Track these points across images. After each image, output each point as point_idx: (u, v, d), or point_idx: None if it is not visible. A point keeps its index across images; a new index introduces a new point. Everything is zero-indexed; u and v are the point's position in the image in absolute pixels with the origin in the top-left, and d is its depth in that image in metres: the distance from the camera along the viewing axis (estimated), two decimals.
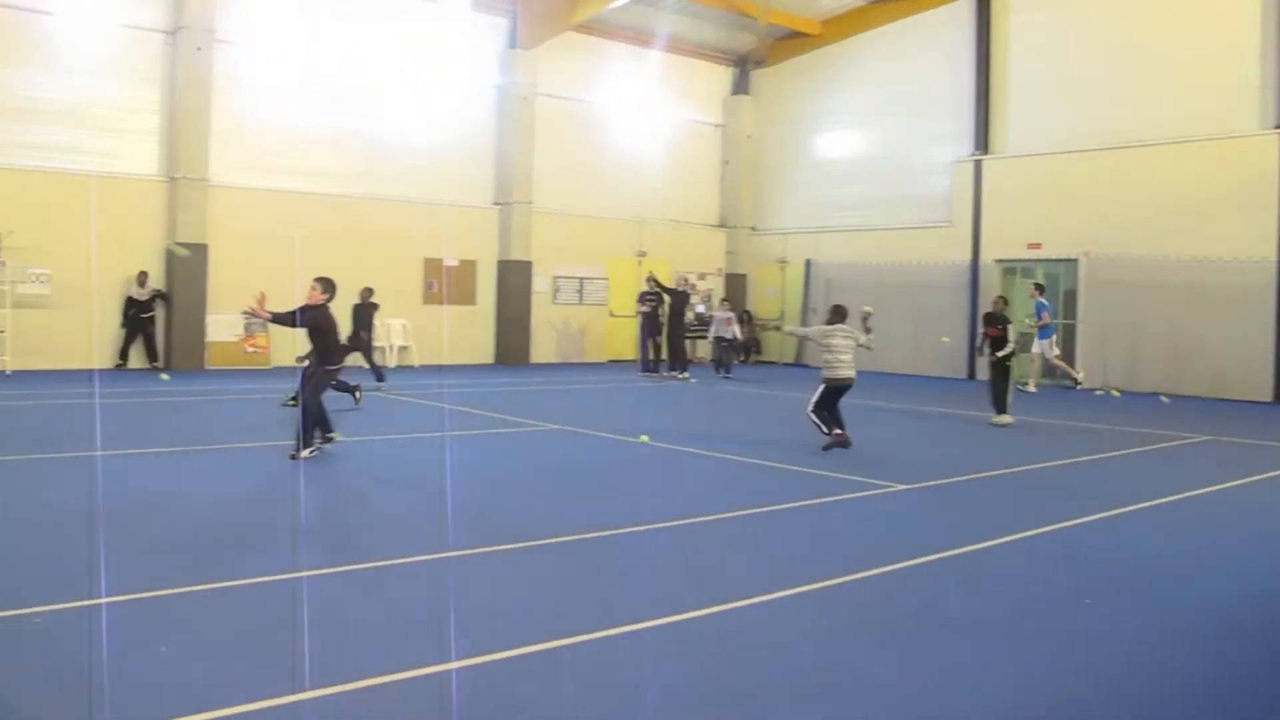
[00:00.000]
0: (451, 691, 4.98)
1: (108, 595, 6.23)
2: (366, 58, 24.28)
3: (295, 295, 12.90)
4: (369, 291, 18.89)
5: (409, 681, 5.13)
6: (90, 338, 20.53)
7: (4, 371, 19.31)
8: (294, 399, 15.44)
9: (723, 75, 31.00)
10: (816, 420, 12.96)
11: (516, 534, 8.26)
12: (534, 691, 5.11)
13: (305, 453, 11.19)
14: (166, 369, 21.44)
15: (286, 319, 11.58)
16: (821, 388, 13.03)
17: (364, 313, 18.58)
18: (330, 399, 15.33)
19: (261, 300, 11.55)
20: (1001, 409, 16.18)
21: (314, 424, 11.45)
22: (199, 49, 21.80)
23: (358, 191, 24.06)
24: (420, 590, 6.84)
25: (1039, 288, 22.26)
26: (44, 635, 5.69)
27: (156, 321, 21.67)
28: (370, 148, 24.38)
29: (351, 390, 15.79)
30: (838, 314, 13.38)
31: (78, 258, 20.28)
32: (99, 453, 11.24)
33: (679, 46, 28.99)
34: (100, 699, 4.73)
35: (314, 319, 11.38)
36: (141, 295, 21.24)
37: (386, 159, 24.56)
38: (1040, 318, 21.54)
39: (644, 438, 13.34)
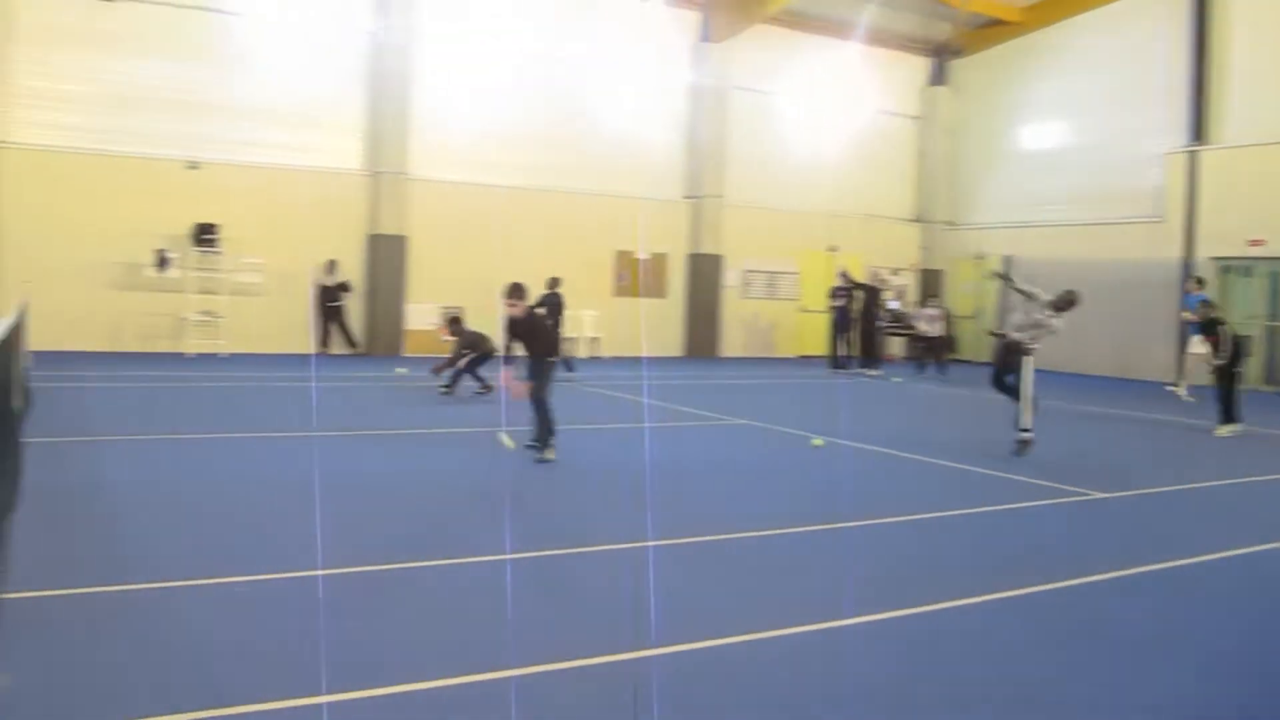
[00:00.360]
0: (647, 679, 4.99)
1: (322, 568, 6.50)
2: (560, 53, 24.70)
3: (490, 286, 13.23)
4: (555, 281, 19.27)
5: (603, 666, 5.21)
6: (302, 324, 21.58)
7: (220, 355, 20.46)
8: (447, 386, 16.41)
9: (919, 66, 30.28)
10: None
11: (706, 526, 8.27)
12: (730, 684, 5.10)
13: (549, 452, 11.02)
14: (368, 354, 22.37)
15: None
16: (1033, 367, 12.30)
17: (551, 303, 18.91)
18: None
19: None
20: (1226, 418, 15.18)
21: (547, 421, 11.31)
22: (400, 47, 22.71)
23: (551, 184, 24.51)
24: (612, 578, 6.91)
25: (1199, 282, 20.78)
26: (250, 603, 5.99)
27: (346, 309, 22.56)
28: (564, 141, 24.79)
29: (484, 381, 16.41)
30: (1068, 302, 12.34)
31: (288, 247, 21.37)
32: (313, 433, 11.76)
33: (874, 37, 28.42)
34: (308, 666, 4.93)
35: (521, 327, 11.24)
36: (329, 282, 22.22)
37: (579, 152, 24.94)
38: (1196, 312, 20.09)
39: (817, 441, 12.95)
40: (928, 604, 6.43)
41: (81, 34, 20.25)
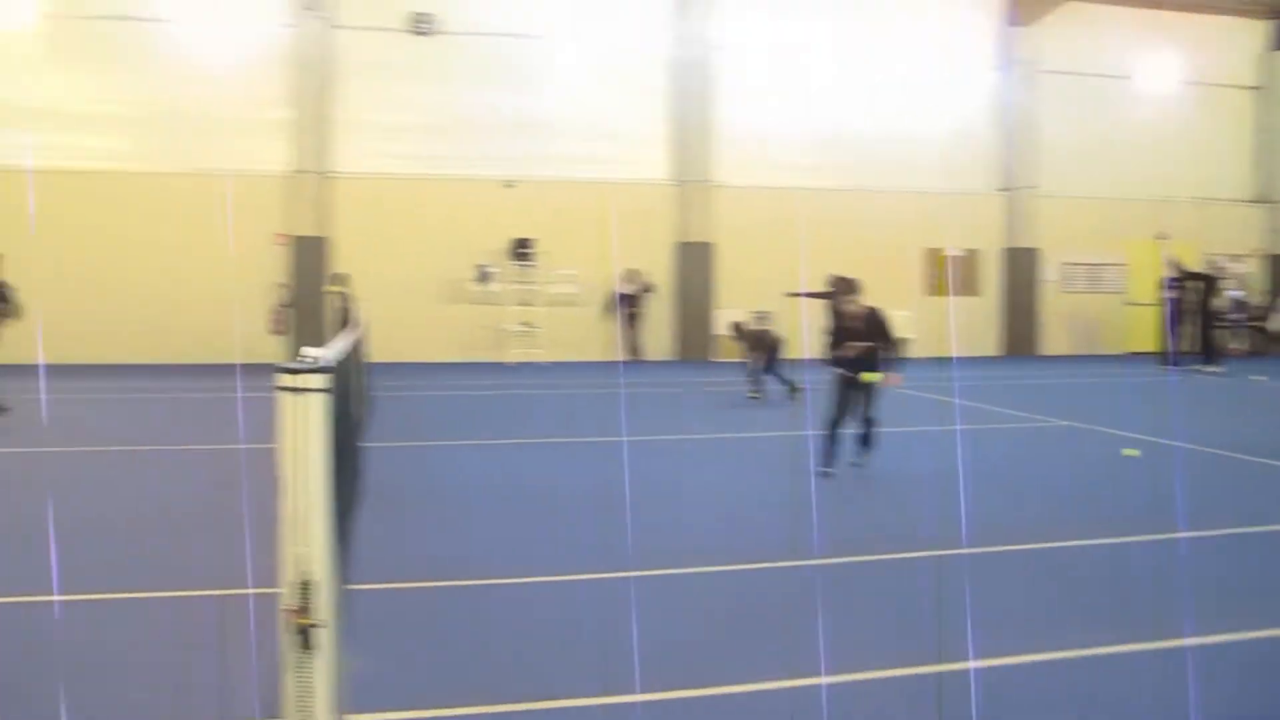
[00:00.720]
0: (955, 693, 4.76)
1: (631, 570, 6.61)
2: (860, 48, 24.31)
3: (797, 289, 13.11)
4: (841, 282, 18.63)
5: (908, 679, 5.03)
6: (616, 332, 22.27)
7: (539, 363, 21.34)
8: (755, 392, 16.38)
9: (1254, 31, 27.68)
10: None
11: (1017, 534, 7.90)
12: (1042, 704, 4.82)
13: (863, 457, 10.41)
14: (681, 359, 22.74)
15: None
16: None
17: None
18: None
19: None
20: None
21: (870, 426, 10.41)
22: (700, 56, 23.08)
23: (855, 184, 24.11)
24: (920, 586, 6.64)
25: None
26: (567, 600, 6.15)
27: (644, 316, 22.99)
28: (867, 138, 24.33)
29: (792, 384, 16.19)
30: None
31: (600, 258, 22.07)
32: (624, 438, 12.02)
33: (1199, 4, 26.29)
34: (621, 664, 4.99)
35: (873, 325, 10.34)
36: (629, 290, 22.70)
37: (884, 149, 24.37)
38: None
39: (1130, 451, 11.70)
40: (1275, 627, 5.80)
41: (400, 68, 22.07)
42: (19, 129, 20.53)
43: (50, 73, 20.94)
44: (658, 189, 23.20)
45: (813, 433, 11.38)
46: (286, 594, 3.09)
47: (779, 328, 16.87)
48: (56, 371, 17.35)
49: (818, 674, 4.93)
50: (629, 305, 22.80)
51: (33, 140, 20.54)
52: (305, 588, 3.07)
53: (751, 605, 6.24)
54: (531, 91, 22.60)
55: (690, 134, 23.26)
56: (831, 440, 10.19)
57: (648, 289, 22.81)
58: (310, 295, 21.32)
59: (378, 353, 17.55)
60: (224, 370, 16.66)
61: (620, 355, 22.33)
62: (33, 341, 13.63)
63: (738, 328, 17.49)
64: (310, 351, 3.31)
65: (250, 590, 5.79)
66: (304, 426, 3.05)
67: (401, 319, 20.85)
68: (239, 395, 13.48)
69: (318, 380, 3.09)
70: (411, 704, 4.74)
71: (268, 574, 5.90)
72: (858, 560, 7.20)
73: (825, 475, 10.09)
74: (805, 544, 7.27)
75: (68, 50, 21.00)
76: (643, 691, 4.77)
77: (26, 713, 4.61)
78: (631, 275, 22.70)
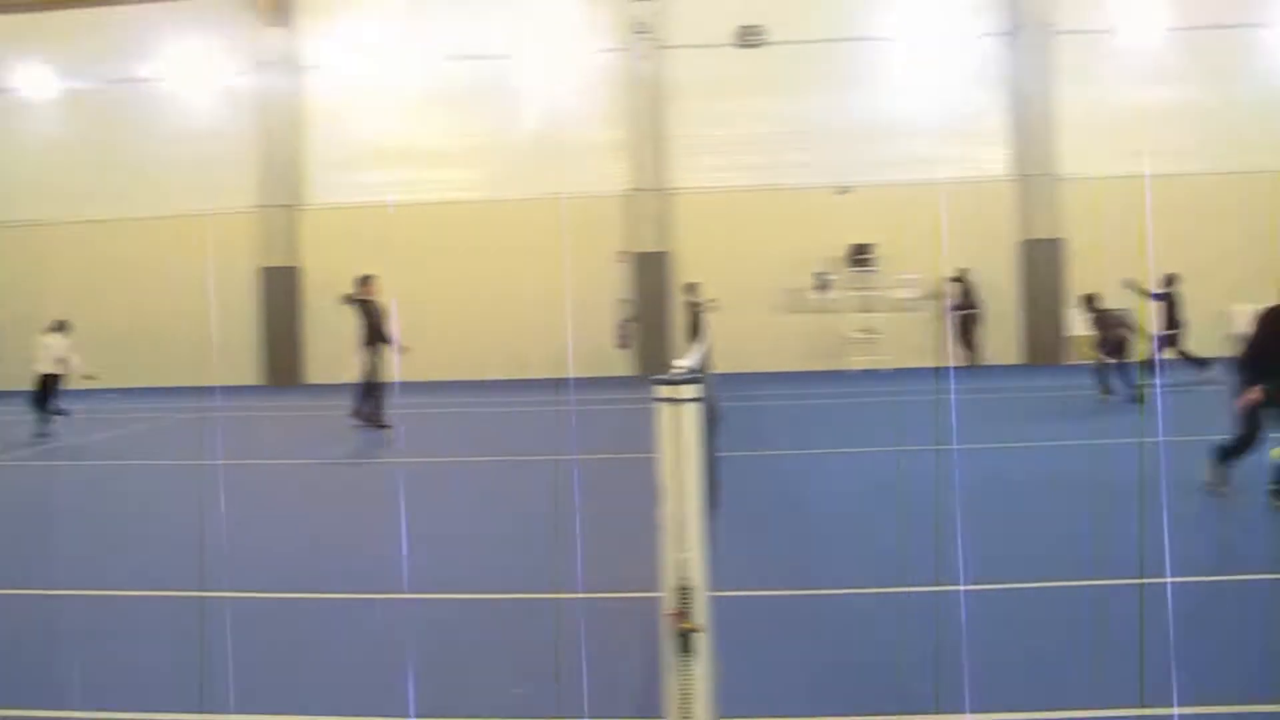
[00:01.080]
0: None
1: (965, 584, 6.39)
2: (1214, 14, 22.14)
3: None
4: (1171, 279, 17.09)
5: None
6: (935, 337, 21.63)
7: (882, 370, 21.00)
8: (1106, 390, 15.40)
9: None
10: None
11: None
12: None
13: None
14: (1030, 364, 21.74)
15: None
16: None
17: (1166, 300, 16.95)
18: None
19: None
20: None
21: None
22: (1035, 44, 22.08)
23: (1217, 167, 21.78)
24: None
25: None
26: (922, 614, 6.00)
27: (977, 318, 22.15)
28: (1230, 113, 22.06)
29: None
30: None
31: (940, 261, 21.42)
32: (966, 446, 11.65)
33: None
34: (990, 679, 4.84)
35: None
36: (960, 292, 21.97)
37: (1252, 124, 22.03)
38: None
39: None
40: None
41: (730, 82, 22.50)
42: (384, 168, 22.58)
43: (409, 113, 22.89)
44: (999, 186, 22.31)
45: (1165, 439, 10.60)
46: (668, 598, 3.18)
47: (1132, 324, 15.82)
48: (422, 388, 18.81)
49: (1169, 704, 4.58)
50: (962, 308, 22.06)
51: (397, 177, 22.54)
52: (685, 593, 3.15)
53: (1099, 624, 5.83)
54: (862, 95, 22.46)
55: (1031, 125, 22.17)
56: (1235, 455, 8.88)
57: (974, 289, 21.95)
58: (653, 309, 22.05)
59: (721, 363, 17.92)
60: (570, 384, 17.49)
61: (957, 360, 21.56)
62: (403, 360, 14.76)
63: (1089, 301, 16.37)
64: (682, 363, 3.41)
65: (615, 595, 6.04)
66: (681, 435, 3.13)
67: (742, 329, 21.12)
68: (595, 407, 14.08)
69: (693, 390, 3.17)
70: (776, 710, 4.79)
71: (618, 579, 6.18)
72: (1219, 580, 6.66)
73: (1215, 490, 8.90)
74: (1158, 561, 6.68)
75: (422, 92, 22.87)
76: (976, 710, 4.60)
77: (424, 698, 4.99)
78: (961, 277, 21.94)
